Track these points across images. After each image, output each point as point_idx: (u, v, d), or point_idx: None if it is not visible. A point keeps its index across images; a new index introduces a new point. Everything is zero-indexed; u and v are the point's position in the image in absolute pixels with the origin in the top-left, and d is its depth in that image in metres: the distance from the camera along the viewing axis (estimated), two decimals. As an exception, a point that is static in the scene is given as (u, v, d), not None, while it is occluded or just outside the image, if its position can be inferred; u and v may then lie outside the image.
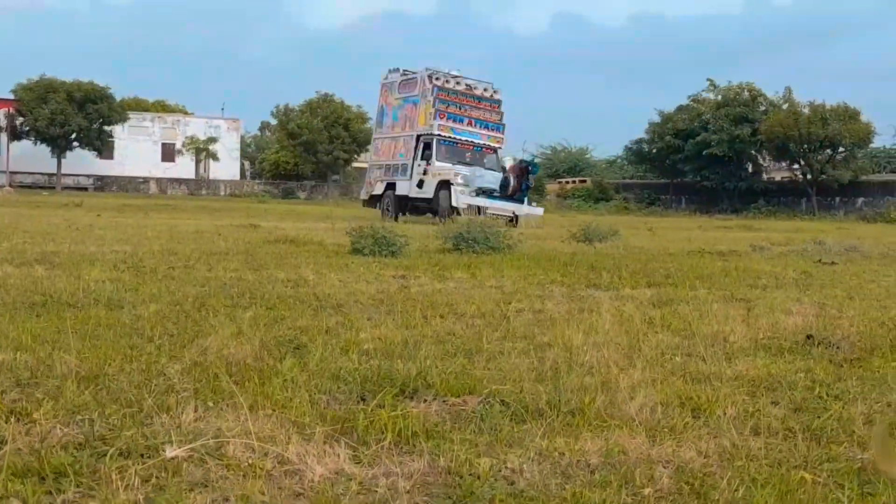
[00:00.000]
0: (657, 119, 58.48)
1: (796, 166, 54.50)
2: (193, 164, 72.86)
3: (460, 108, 26.88)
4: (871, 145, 56.92)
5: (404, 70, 28.81)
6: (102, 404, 3.67)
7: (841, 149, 51.75)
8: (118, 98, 65.02)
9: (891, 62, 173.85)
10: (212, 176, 72.64)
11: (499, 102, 27.97)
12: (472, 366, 4.65)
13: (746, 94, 55.42)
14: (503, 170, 26.42)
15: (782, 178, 58.91)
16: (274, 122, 78.96)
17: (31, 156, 61.63)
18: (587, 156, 77.41)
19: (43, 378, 4.09)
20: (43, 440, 3.21)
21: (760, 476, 3.12)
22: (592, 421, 3.71)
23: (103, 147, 63.89)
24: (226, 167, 73.40)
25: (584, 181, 66.13)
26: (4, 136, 61.69)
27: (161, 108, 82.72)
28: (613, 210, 54.18)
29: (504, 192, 25.22)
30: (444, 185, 24.98)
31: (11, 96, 61.31)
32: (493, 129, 27.48)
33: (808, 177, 52.80)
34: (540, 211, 26.69)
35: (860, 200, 51.74)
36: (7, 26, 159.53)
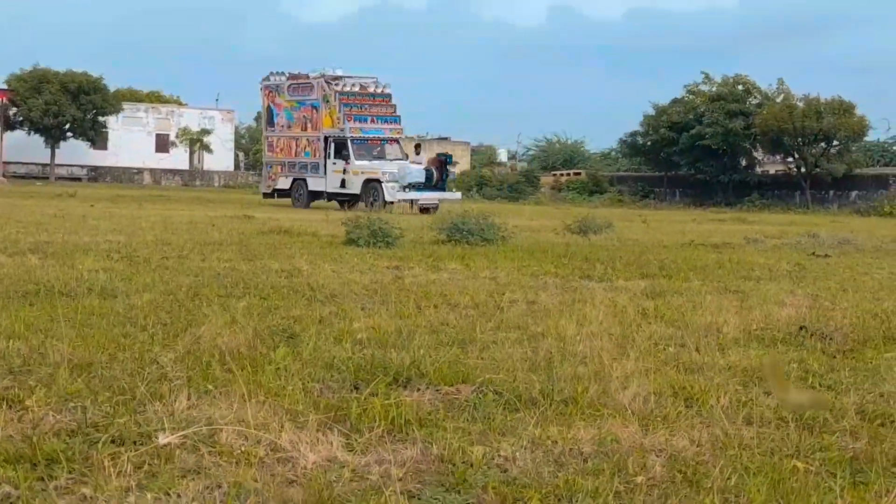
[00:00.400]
0: (652, 112, 58.34)
1: (790, 160, 54.47)
2: (188, 155, 72.56)
3: (361, 108, 29.55)
4: (866, 139, 56.99)
5: (291, 73, 31.19)
6: (95, 392, 3.66)
7: (835, 142, 51.71)
8: (112, 89, 64.70)
9: (886, 56, 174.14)
10: (206, 167, 72.38)
11: (389, 96, 30.56)
12: (465, 355, 4.65)
13: (741, 87, 55.39)
14: (406, 156, 29.72)
15: (776, 171, 58.90)
16: (268, 113, 78.64)
17: (25, 146, 61.32)
18: (582, 148, 77.30)
19: (35, 366, 4.08)
20: (35, 427, 3.20)
21: (753, 465, 3.13)
22: (585, 410, 3.72)
23: (97, 137, 63.53)
24: (220, 158, 73.01)
25: (579, 174, 65.95)
26: (-2, 127, 61.43)
27: (155, 98, 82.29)
28: (608, 202, 54.05)
29: (430, 184, 27.98)
30: (373, 181, 27.49)
31: (5, 86, 61.01)
32: (391, 122, 30.12)
33: (802, 170, 52.79)
34: (458, 195, 29.62)
35: (854, 194, 51.75)
36: (0, 16, 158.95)
